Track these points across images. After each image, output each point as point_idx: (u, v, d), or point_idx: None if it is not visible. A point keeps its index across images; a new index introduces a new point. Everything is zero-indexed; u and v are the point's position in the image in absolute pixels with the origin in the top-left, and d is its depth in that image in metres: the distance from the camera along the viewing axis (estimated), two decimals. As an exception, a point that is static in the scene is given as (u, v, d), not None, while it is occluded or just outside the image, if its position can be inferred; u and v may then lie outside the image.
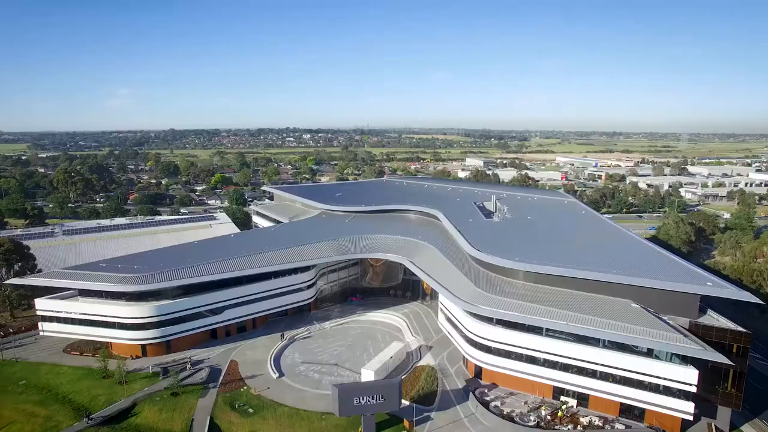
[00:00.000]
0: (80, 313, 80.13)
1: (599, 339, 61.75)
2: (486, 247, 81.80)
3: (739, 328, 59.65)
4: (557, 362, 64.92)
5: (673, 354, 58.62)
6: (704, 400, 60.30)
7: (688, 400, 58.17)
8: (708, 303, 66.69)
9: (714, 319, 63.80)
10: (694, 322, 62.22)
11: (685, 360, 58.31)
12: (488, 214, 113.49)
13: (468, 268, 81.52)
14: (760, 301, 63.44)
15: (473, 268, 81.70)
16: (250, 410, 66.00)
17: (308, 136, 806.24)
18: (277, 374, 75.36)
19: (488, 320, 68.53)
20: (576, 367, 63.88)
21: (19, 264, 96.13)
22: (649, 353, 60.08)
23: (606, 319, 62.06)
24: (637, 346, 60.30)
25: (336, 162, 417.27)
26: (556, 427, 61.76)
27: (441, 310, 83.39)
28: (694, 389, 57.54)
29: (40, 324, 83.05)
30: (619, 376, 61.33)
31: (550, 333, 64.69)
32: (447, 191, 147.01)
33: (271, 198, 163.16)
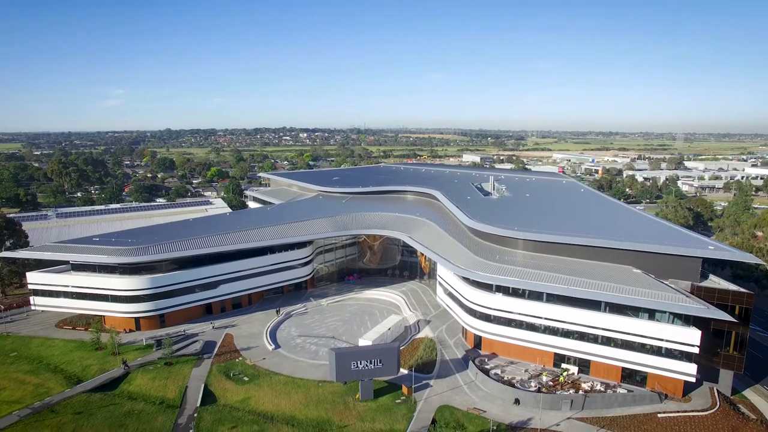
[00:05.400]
0: (73, 287, 78.81)
1: (600, 303, 60.79)
2: (485, 219, 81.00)
3: (741, 289, 58.91)
4: (558, 328, 64.02)
5: (674, 316, 57.82)
6: (706, 364, 59.52)
7: (690, 361, 57.35)
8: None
9: (716, 282, 63.06)
10: (696, 285, 61.43)
11: (687, 321, 57.57)
12: (487, 193, 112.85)
13: (467, 240, 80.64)
14: (762, 262, 62.79)
15: (472, 240, 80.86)
16: (245, 378, 64.84)
17: (305, 135, 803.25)
18: (273, 346, 74.23)
19: (488, 287, 67.55)
20: (577, 332, 62.96)
21: (11, 241, 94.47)
22: (651, 315, 59.24)
23: (607, 283, 61.23)
24: (638, 309, 59.43)
25: (333, 158, 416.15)
26: (558, 392, 60.83)
27: (439, 283, 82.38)
28: (696, 350, 56.73)
29: (31, 298, 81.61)
30: (621, 340, 60.43)
31: (551, 299, 63.76)
32: (445, 174, 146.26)
33: (268, 186, 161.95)
